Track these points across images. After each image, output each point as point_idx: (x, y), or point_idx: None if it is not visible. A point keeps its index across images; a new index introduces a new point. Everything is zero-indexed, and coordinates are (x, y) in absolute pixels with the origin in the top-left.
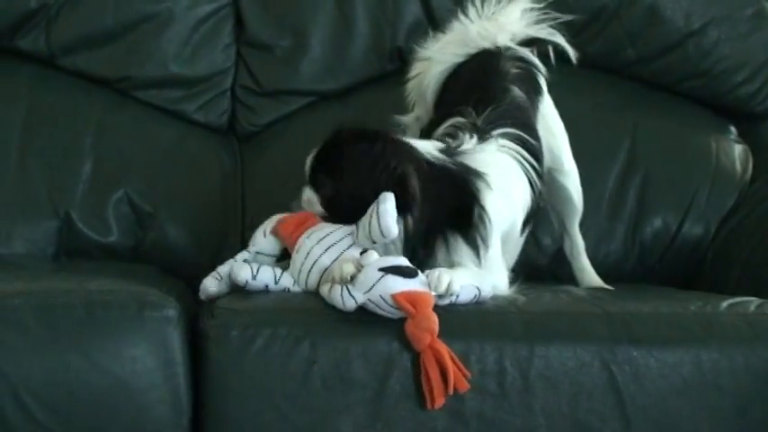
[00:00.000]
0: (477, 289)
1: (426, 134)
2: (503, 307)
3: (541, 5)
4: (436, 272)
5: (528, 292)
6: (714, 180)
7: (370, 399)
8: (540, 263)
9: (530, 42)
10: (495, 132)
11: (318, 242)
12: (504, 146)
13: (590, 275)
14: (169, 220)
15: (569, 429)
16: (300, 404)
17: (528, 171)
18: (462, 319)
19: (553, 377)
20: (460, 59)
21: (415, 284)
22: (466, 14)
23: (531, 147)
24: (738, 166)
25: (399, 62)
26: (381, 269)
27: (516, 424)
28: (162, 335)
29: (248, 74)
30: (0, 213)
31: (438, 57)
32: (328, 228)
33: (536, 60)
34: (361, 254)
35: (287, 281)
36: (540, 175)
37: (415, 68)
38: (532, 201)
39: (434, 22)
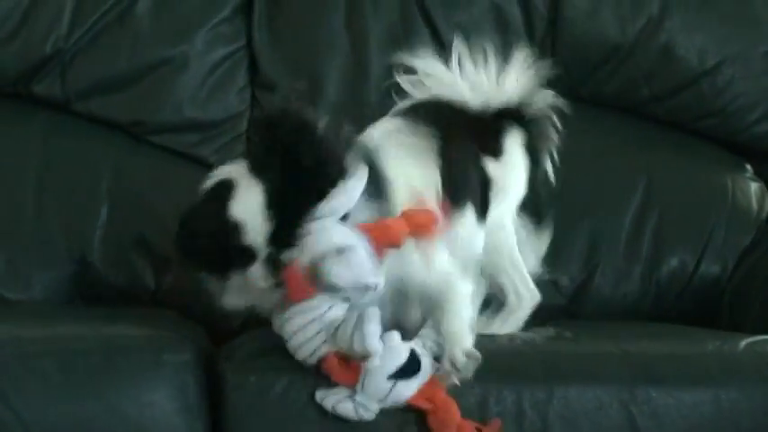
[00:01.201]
0: None
1: None
2: (521, 349)
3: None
4: (446, 363)
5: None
6: (730, 218)
7: None
8: (558, 303)
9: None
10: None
11: None
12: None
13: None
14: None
15: None
16: None
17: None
18: (480, 363)
19: (572, 419)
20: None
21: (423, 377)
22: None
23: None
24: (755, 204)
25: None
26: (390, 377)
27: None
28: (180, 379)
29: None
30: (17, 259)
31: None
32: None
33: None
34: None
35: None
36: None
37: None
38: None
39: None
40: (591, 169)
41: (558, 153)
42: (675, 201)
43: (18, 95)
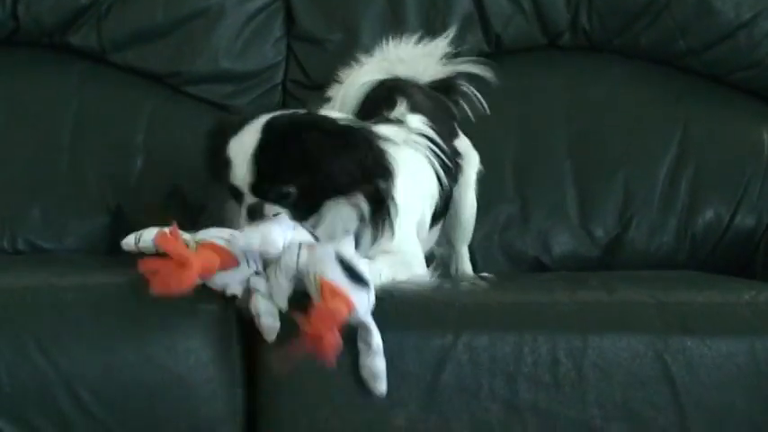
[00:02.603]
0: None
1: None
2: (555, 298)
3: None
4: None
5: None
6: (766, 171)
7: (423, 392)
8: (591, 255)
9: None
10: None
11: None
12: (416, 142)
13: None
14: (220, 215)
15: (623, 420)
16: (354, 398)
17: (436, 167)
18: (515, 312)
19: (607, 368)
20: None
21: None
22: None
23: (441, 147)
24: None
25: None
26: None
27: (570, 415)
28: (216, 328)
29: (299, 68)
30: (52, 209)
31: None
32: None
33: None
34: None
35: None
36: (449, 172)
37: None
38: (440, 197)
39: (485, 16)
40: (626, 121)
41: (594, 106)
42: (711, 153)
43: (54, 46)
